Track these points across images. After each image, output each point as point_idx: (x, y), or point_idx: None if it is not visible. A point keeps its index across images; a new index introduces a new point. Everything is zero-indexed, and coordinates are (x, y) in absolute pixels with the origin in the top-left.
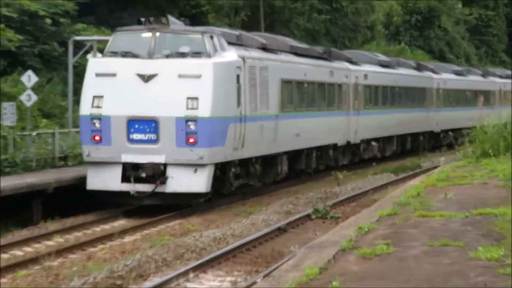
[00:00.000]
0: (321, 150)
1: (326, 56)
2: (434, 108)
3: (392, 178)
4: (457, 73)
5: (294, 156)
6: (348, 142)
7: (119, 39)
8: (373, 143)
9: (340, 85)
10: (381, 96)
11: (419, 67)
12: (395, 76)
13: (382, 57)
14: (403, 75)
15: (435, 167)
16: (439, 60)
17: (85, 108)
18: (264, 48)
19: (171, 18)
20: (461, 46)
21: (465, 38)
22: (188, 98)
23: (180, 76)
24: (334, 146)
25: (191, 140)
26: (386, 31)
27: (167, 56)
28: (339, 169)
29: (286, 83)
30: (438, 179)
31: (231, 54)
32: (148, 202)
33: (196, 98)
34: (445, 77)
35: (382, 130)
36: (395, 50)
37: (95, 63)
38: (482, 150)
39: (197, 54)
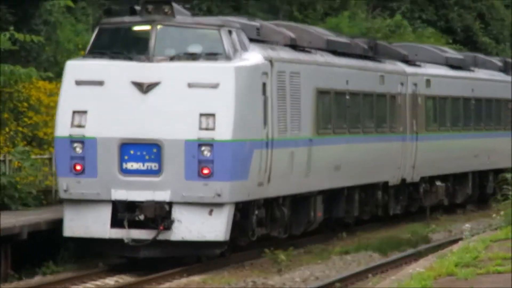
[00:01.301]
0: (366, 190)
1: (372, 54)
2: None
3: (377, 261)
4: None
5: (330, 198)
6: (403, 181)
7: (105, 34)
8: (438, 183)
9: (393, 97)
10: (450, 113)
11: (507, 67)
12: (471, 82)
13: (451, 53)
14: (483, 80)
15: (455, 241)
16: (464, 46)
17: (62, 127)
18: (293, 46)
19: (177, 7)
20: (505, 21)
21: None
22: (201, 114)
23: (190, 85)
24: (384, 186)
25: (206, 171)
26: None
27: (172, 58)
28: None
29: (322, 94)
30: (459, 264)
31: (255, 55)
32: (146, 253)
33: (212, 115)
34: None
35: (451, 164)
36: (384, 28)
37: (74, 67)
38: None
39: (212, 55)
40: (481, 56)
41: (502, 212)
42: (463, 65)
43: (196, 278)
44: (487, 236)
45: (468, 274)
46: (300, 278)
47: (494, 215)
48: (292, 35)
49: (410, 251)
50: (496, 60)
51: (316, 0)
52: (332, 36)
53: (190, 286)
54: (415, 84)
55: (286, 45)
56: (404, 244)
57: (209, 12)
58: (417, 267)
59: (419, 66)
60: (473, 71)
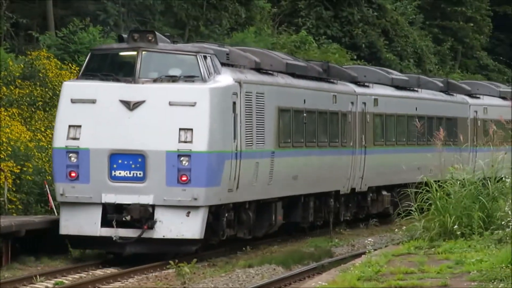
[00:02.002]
0: (320, 198)
1: (326, 76)
2: (469, 147)
3: (280, 274)
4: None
5: (289, 204)
6: (353, 190)
7: (97, 58)
8: (384, 192)
9: (344, 114)
10: (395, 129)
11: (449, 88)
12: (415, 101)
13: (397, 75)
14: (426, 100)
15: (358, 256)
16: (368, 62)
17: (60, 139)
18: (258, 69)
19: (159, 35)
20: (408, 37)
21: (416, 22)
22: (180, 129)
23: (171, 103)
24: (336, 195)
25: (184, 178)
26: (274, 9)
27: (155, 80)
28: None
29: (283, 112)
30: (361, 278)
31: (227, 78)
32: (132, 250)
33: (190, 130)
34: (487, 103)
35: (396, 176)
36: (289, 44)
37: (70, 87)
38: (441, 225)
39: (190, 78)
40: (424, 77)
41: (404, 227)
42: (407, 86)
43: None
44: (389, 251)
45: None
46: None
47: (396, 230)
48: (257, 59)
49: (313, 265)
50: (438, 81)
51: (222, 15)
52: (291, 60)
53: None
54: (364, 103)
55: (251, 69)
56: (308, 258)
57: (116, 27)
58: (320, 281)
59: (367, 86)
60: (417, 91)
